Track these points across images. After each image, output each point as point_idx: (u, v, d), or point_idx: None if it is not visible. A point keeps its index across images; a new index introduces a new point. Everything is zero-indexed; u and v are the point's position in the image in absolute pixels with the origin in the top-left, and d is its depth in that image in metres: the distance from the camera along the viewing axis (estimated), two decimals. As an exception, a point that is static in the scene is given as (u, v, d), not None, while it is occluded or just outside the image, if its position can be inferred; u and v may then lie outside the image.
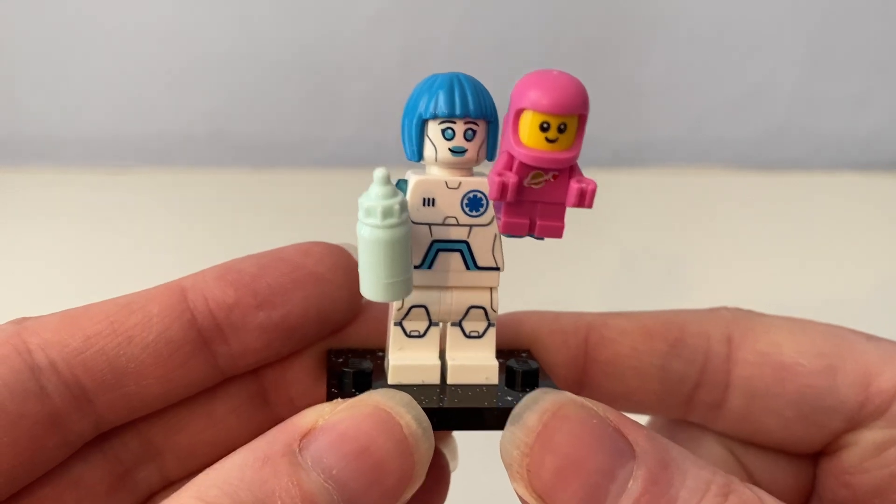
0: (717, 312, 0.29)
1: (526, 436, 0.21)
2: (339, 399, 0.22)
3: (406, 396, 0.21)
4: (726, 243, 0.68)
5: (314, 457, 0.20)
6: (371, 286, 0.22)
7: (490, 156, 0.25)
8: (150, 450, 0.26)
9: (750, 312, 0.29)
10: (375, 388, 0.24)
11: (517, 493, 0.21)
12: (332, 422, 0.20)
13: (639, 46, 0.78)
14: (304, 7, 0.74)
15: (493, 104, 0.24)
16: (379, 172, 0.22)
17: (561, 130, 0.21)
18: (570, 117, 0.21)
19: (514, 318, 0.29)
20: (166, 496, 0.26)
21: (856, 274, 0.63)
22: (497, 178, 0.21)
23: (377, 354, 0.27)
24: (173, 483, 0.26)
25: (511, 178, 0.21)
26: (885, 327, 0.29)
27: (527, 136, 0.21)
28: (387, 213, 0.21)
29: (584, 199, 0.22)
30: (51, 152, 0.76)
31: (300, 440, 0.20)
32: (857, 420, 0.27)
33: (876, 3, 0.78)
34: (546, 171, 0.22)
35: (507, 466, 0.21)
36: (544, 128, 0.21)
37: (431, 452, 0.21)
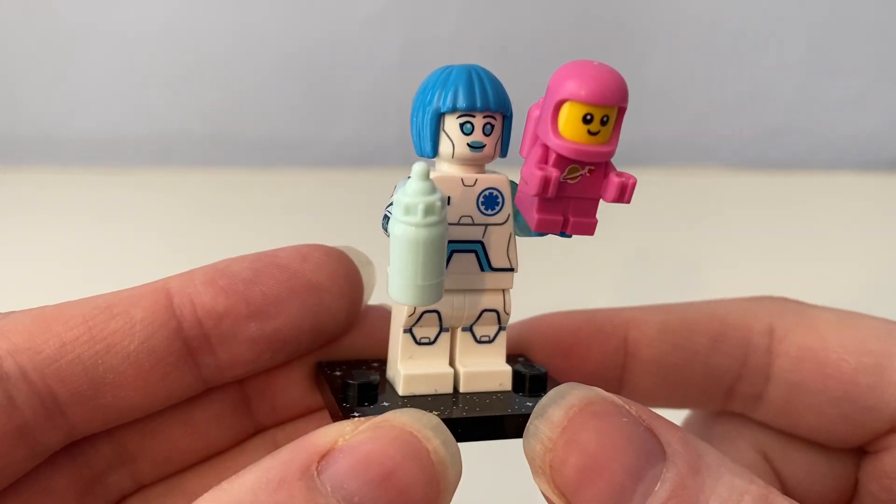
0: (760, 302, 0.28)
1: (550, 431, 0.19)
2: (360, 417, 0.20)
3: (434, 419, 0.20)
4: (726, 243, 0.68)
5: (334, 481, 0.18)
6: (403, 289, 0.21)
7: (503, 152, 0.24)
8: (124, 455, 0.24)
9: (795, 303, 0.28)
10: (381, 400, 0.23)
11: (540, 489, 0.21)
12: (354, 443, 0.19)
13: (639, 46, 0.78)
14: (304, 7, 0.74)
15: (509, 97, 0.23)
16: (419, 167, 0.20)
17: (603, 123, 0.20)
18: (612, 109, 0.20)
19: (546, 321, 0.28)
20: (138, 499, 0.25)
21: (856, 274, 0.63)
22: (539, 173, 0.20)
23: (372, 365, 0.25)
24: (146, 487, 0.25)
25: (553, 173, 0.20)
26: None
27: (568, 129, 0.20)
28: (429, 210, 0.20)
29: (625, 194, 0.21)
30: (50, 152, 0.76)
31: (319, 462, 0.18)
32: None
33: (876, 3, 0.78)
34: (584, 164, 0.21)
35: (530, 461, 0.20)
36: (587, 119, 0.20)
37: (459, 480, 0.20)
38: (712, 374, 0.27)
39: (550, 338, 0.27)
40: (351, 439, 0.19)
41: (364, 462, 0.18)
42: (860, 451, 0.28)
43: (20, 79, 0.75)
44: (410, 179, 0.20)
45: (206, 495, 0.18)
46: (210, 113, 0.77)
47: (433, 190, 0.20)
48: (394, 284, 0.21)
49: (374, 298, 0.27)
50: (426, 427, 0.19)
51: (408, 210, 0.20)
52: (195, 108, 0.76)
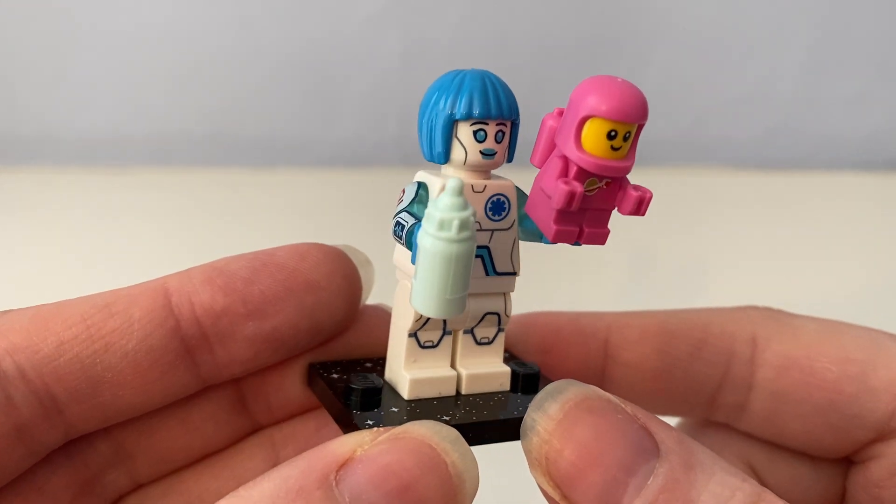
0: (743, 312, 0.28)
1: (546, 423, 0.20)
2: (377, 427, 0.20)
3: (453, 432, 0.20)
4: (726, 243, 0.68)
5: (352, 491, 0.18)
6: (431, 301, 0.21)
7: (509, 158, 0.24)
8: (121, 454, 0.24)
9: (779, 312, 0.28)
10: (386, 404, 0.23)
11: (536, 481, 0.21)
12: (373, 453, 0.19)
13: (639, 46, 0.78)
14: (304, 7, 0.74)
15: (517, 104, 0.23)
16: (454, 182, 0.20)
17: (625, 139, 0.21)
18: (634, 126, 0.21)
19: (531, 319, 0.28)
20: (136, 498, 0.25)
21: (856, 273, 0.63)
22: (565, 187, 0.21)
23: (366, 365, 0.26)
24: (143, 486, 0.25)
25: (578, 188, 0.21)
26: (885, 328, 0.29)
27: (591, 144, 0.21)
28: (463, 225, 0.20)
29: (641, 208, 0.22)
30: (50, 152, 0.76)
31: (337, 471, 0.18)
32: (887, 431, 0.26)
33: (876, 3, 0.78)
34: (602, 178, 0.21)
35: (527, 453, 0.21)
36: (611, 136, 0.21)
37: (475, 493, 0.20)
38: (694, 381, 0.28)
39: (533, 336, 0.28)
40: (370, 450, 0.19)
41: (382, 473, 0.18)
42: (847, 462, 0.28)
43: (20, 79, 0.75)
44: (444, 194, 0.21)
45: (222, 501, 0.18)
46: (210, 113, 0.77)
47: (466, 205, 0.21)
48: (419, 297, 0.21)
49: (371, 298, 0.27)
50: (445, 440, 0.19)
51: (442, 225, 0.20)
52: (195, 108, 0.76)
